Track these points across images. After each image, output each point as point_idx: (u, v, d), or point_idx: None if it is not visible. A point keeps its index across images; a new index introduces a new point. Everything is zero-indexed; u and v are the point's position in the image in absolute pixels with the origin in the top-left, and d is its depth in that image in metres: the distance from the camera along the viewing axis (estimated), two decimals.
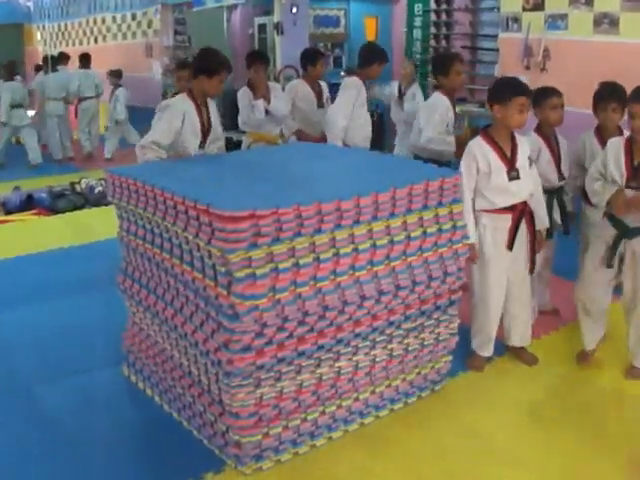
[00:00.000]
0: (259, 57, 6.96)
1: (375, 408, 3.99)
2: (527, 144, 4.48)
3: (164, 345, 3.97)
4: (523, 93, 4.25)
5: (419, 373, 4.12)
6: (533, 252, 4.52)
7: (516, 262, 4.47)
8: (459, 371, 4.49)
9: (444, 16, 11.88)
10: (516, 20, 9.12)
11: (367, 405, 3.94)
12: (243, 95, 6.79)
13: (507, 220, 4.38)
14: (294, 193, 3.49)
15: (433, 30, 12.00)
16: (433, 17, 11.93)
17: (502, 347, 4.72)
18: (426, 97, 6.80)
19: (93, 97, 12.78)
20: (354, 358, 3.75)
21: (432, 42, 12.00)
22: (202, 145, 4.97)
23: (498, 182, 4.30)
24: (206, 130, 4.99)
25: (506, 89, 4.29)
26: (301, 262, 3.36)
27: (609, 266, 4.33)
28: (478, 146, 4.35)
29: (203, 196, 3.34)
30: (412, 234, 3.74)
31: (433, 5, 11.87)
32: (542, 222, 4.57)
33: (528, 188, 4.40)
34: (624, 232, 4.28)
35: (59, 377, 4.53)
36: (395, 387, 4.03)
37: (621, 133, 4.68)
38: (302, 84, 7.10)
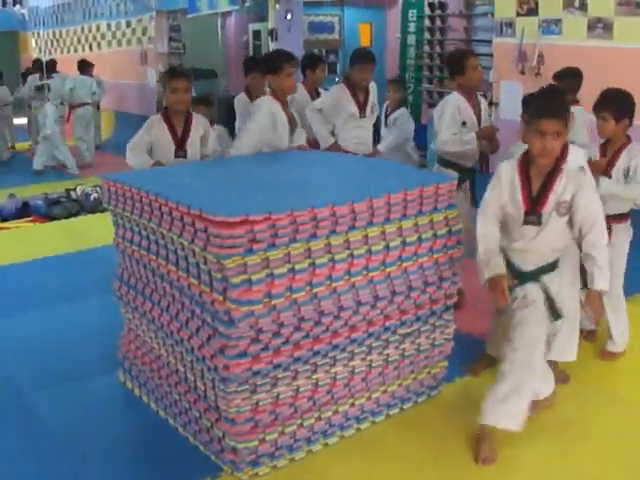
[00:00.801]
0: (256, 63, 6.93)
1: (371, 414, 3.99)
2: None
3: (160, 351, 3.97)
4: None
5: (415, 378, 4.12)
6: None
7: (561, 278, 3.91)
8: (455, 376, 4.48)
9: (438, 22, 11.93)
10: (510, 25, 9.15)
11: (363, 411, 3.94)
12: (240, 101, 6.77)
13: None
14: (288, 199, 3.49)
15: (427, 36, 12.05)
16: (427, 23, 11.98)
17: None
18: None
19: (88, 104, 12.73)
20: (350, 364, 3.75)
21: (426, 48, 12.06)
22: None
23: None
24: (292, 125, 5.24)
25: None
26: (297, 268, 3.37)
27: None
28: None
29: (197, 202, 3.35)
30: (407, 239, 3.75)
31: (427, 11, 11.92)
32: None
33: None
34: (517, 277, 3.74)
35: (55, 384, 4.52)
36: (391, 393, 4.03)
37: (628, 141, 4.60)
38: (300, 89, 7.06)
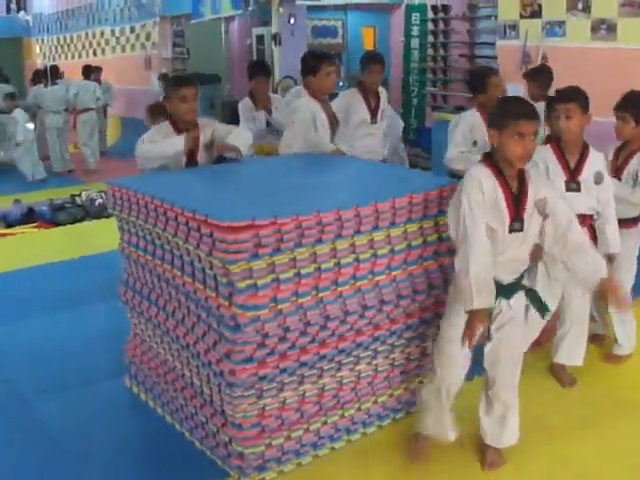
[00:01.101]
0: (261, 68, 6.92)
1: (378, 418, 3.98)
2: (601, 159, 4.26)
3: (166, 356, 3.97)
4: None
5: (421, 382, 4.11)
6: None
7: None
8: None
9: (441, 25, 11.92)
10: (514, 27, 9.15)
11: (370, 415, 3.93)
12: (244, 106, 6.73)
13: None
14: (294, 203, 3.49)
15: (431, 39, 12.05)
16: (430, 26, 11.97)
17: None
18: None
19: (93, 109, 12.75)
20: (356, 368, 3.74)
21: (430, 51, 12.05)
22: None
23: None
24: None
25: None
26: (302, 272, 3.37)
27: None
28: (544, 152, 4.18)
29: (202, 207, 3.35)
30: (413, 243, 3.74)
31: (430, 14, 11.92)
32: (607, 245, 4.24)
33: (588, 203, 4.19)
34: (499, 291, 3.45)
35: (60, 389, 4.52)
36: (397, 397, 4.02)
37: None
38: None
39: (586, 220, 4.17)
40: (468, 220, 3.25)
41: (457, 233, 3.32)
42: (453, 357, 3.51)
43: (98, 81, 13.06)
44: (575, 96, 4.15)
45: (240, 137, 4.67)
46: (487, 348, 3.54)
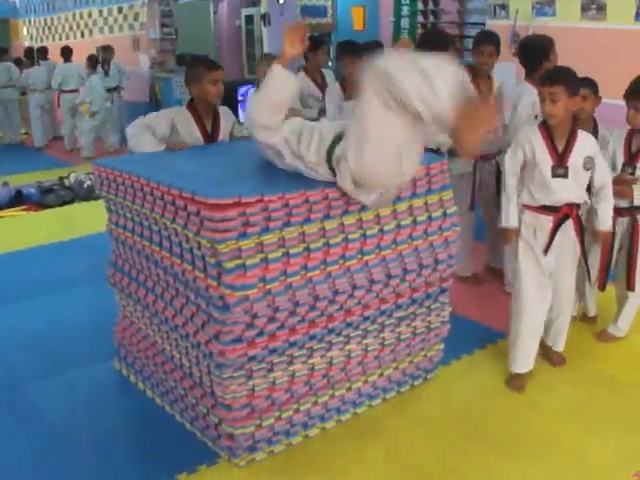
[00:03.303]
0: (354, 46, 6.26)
1: (368, 397, 3.99)
2: (592, 144, 4.12)
3: (155, 338, 3.95)
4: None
5: (411, 362, 4.12)
6: (585, 259, 4.31)
7: (560, 268, 4.21)
8: (451, 359, 4.47)
9: (431, 4, 11.85)
10: (504, 7, 9.11)
11: (360, 395, 3.93)
12: (335, 93, 6.12)
13: (548, 221, 4.09)
14: (281, 182, 3.47)
15: (420, 19, 11.98)
16: (420, 6, 11.90)
17: (494, 334, 4.73)
18: None
19: (76, 90, 12.74)
20: (346, 348, 3.74)
21: (420, 31, 11.98)
22: None
23: (540, 175, 4.04)
24: None
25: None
26: (291, 252, 3.35)
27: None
28: (530, 134, 4.11)
29: (188, 185, 3.32)
30: (402, 222, 3.73)
31: None
32: (604, 223, 4.19)
33: (576, 191, 4.07)
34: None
35: (50, 373, 4.51)
36: (387, 376, 4.03)
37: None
38: (304, 78, 6.61)
39: (572, 210, 4.09)
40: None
41: None
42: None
43: (108, 62, 12.88)
44: (560, 78, 3.96)
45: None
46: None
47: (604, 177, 4.12)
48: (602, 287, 4.63)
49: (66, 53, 12.85)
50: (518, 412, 3.97)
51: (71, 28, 20.71)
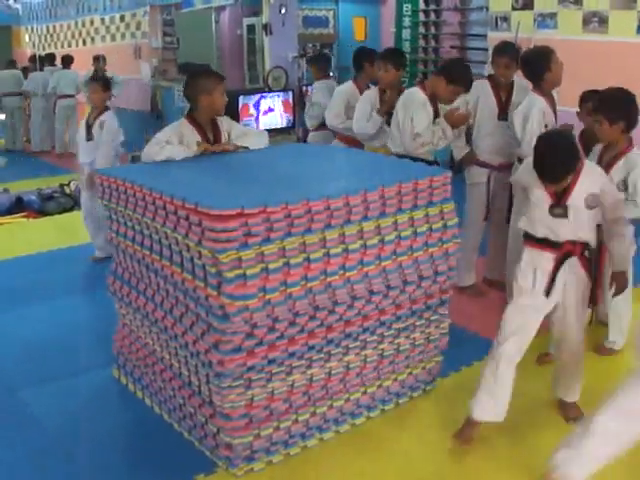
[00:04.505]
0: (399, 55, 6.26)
1: (366, 409, 3.98)
2: (598, 178, 3.69)
3: (154, 347, 3.95)
4: None
5: (410, 373, 4.11)
6: (593, 302, 3.93)
7: (565, 312, 3.79)
8: (450, 371, 4.47)
9: (433, 16, 11.88)
10: (505, 19, 9.14)
11: (358, 406, 3.93)
12: (370, 99, 6.01)
13: (549, 260, 3.68)
14: (283, 192, 3.47)
15: (422, 30, 12.01)
16: (422, 17, 11.94)
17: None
18: None
19: (72, 95, 12.93)
20: (345, 359, 3.74)
21: (421, 42, 12.02)
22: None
23: (539, 211, 3.66)
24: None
25: None
26: (292, 262, 3.35)
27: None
28: (526, 169, 3.72)
29: (191, 195, 3.32)
30: (402, 234, 3.74)
31: (422, 5, 11.88)
32: (618, 264, 3.83)
33: (578, 231, 3.64)
34: None
35: (49, 380, 4.51)
36: (386, 387, 4.02)
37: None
38: (353, 88, 6.45)
39: (576, 247, 3.69)
40: None
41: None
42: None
43: (102, 71, 13.02)
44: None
45: (253, 139, 4.61)
46: None
47: (615, 212, 3.74)
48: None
49: (65, 60, 13.18)
50: (517, 424, 3.95)
51: (73, 36, 20.75)
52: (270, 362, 3.43)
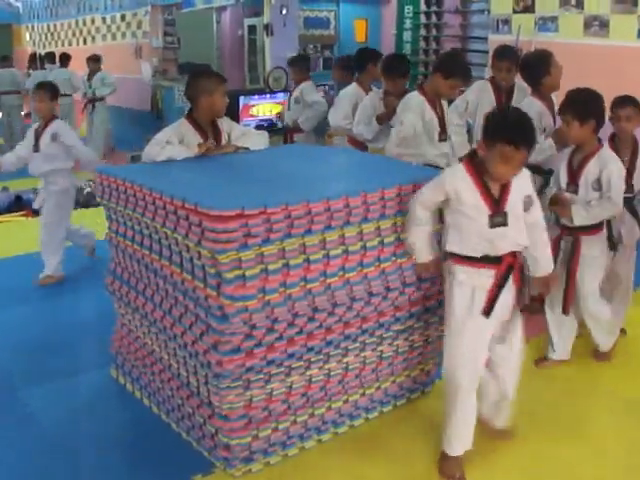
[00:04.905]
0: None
1: (365, 410, 3.98)
2: (527, 179, 3.48)
3: (153, 347, 3.95)
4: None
5: (408, 375, 4.11)
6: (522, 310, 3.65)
7: (507, 330, 3.60)
8: None
9: (434, 18, 11.92)
10: (506, 22, 9.15)
11: (357, 407, 3.93)
12: (372, 103, 6.08)
13: (489, 277, 3.41)
14: (283, 193, 3.47)
15: (423, 32, 12.05)
16: (423, 19, 11.97)
17: None
18: None
19: (69, 95, 12.83)
20: (344, 360, 3.73)
21: (422, 44, 12.04)
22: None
23: (476, 225, 3.36)
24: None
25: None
26: (291, 263, 3.35)
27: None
28: (456, 176, 3.42)
29: (191, 196, 3.32)
30: (402, 236, 3.73)
31: (423, 7, 11.91)
32: (544, 268, 3.61)
33: (518, 238, 3.42)
34: None
35: (47, 379, 4.50)
36: (385, 389, 4.02)
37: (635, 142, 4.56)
38: (358, 89, 6.50)
39: (515, 259, 3.45)
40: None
41: None
42: None
43: (94, 73, 12.96)
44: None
45: (254, 139, 4.61)
46: None
47: (537, 215, 3.53)
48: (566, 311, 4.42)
49: (63, 59, 13.15)
50: (517, 425, 3.95)
51: (74, 34, 20.76)
52: (269, 363, 3.43)
